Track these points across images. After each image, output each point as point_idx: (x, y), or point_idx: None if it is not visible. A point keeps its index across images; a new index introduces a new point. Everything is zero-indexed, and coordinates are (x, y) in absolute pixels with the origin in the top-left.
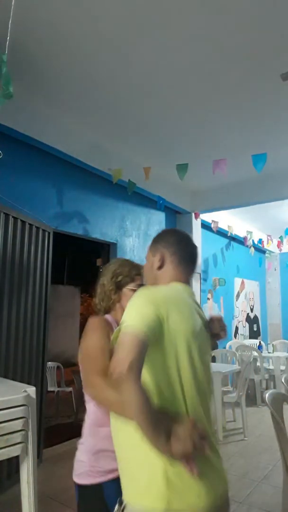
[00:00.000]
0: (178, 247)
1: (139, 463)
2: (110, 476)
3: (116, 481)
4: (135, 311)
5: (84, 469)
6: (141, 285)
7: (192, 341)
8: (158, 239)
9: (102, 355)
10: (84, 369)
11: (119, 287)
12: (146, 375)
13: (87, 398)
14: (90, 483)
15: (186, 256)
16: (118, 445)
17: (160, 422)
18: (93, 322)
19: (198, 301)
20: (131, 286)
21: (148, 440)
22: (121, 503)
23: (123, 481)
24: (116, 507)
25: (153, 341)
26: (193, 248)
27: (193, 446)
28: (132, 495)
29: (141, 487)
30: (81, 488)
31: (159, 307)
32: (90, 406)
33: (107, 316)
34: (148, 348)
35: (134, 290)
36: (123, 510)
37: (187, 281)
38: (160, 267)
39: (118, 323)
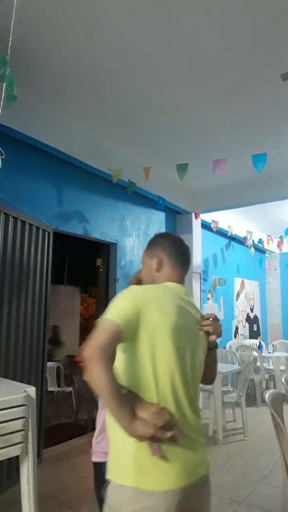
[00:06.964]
0: (174, 249)
1: (117, 445)
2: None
3: None
4: (115, 307)
5: (93, 449)
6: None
7: (175, 335)
8: (154, 243)
9: None
10: None
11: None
12: (118, 363)
13: None
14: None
15: (181, 257)
16: (108, 427)
17: (126, 404)
18: None
19: (198, 300)
20: None
21: (115, 419)
22: (106, 480)
23: (108, 461)
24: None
25: (128, 334)
26: (186, 249)
27: (155, 430)
28: (111, 474)
29: (116, 466)
30: (93, 464)
31: (137, 304)
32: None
33: None
34: (123, 339)
35: None
36: (107, 486)
37: (182, 280)
38: (158, 269)
39: None
